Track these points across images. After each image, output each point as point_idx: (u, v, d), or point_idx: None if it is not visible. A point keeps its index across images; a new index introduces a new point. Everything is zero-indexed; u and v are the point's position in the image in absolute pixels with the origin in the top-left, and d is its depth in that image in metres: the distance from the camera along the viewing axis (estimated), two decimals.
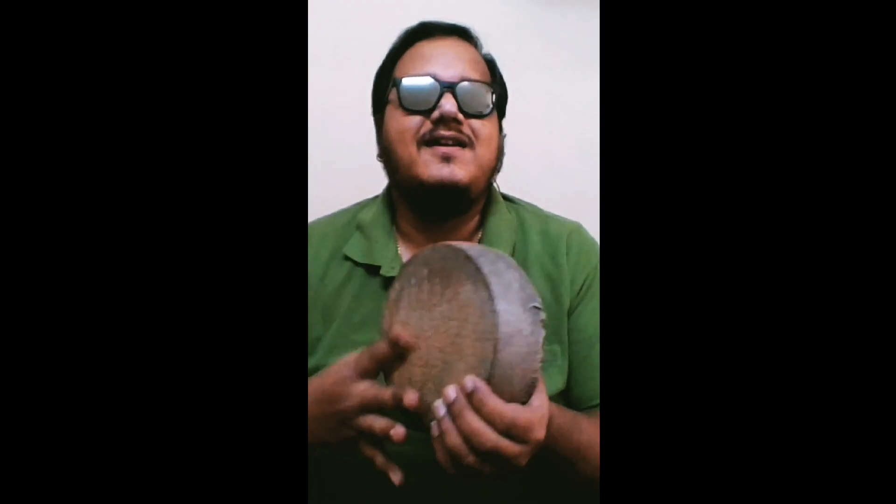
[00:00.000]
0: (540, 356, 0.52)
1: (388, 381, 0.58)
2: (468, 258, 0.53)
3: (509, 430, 0.50)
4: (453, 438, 0.50)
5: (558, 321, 0.75)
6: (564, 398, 0.75)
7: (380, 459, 0.57)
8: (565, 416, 0.63)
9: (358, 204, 0.87)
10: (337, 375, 0.58)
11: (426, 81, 0.74)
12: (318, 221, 0.86)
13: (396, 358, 0.56)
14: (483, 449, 0.50)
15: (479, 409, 0.50)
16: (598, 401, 0.74)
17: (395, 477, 0.56)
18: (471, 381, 0.50)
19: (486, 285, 0.51)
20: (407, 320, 0.57)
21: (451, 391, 0.50)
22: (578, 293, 0.76)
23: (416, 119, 0.74)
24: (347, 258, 0.79)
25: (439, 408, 0.51)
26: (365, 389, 0.56)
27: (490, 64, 0.81)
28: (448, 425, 0.50)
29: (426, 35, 0.79)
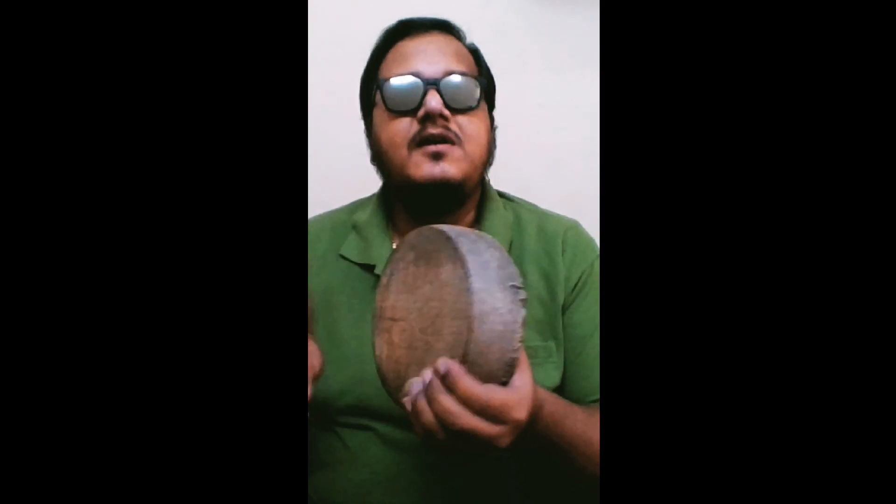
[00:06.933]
0: (519, 335, 0.52)
1: (378, 365, 0.59)
2: (448, 238, 0.53)
3: (484, 411, 0.50)
4: (427, 417, 0.50)
5: (554, 317, 0.76)
6: (560, 395, 0.75)
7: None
8: (558, 404, 0.63)
9: (354, 203, 0.87)
10: None
11: (409, 80, 0.73)
12: (314, 219, 0.86)
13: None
14: (455, 429, 0.50)
15: (451, 391, 0.49)
16: (593, 397, 0.74)
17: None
18: (443, 363, 0.50)
19: (463, 263, 0.51)
20: (395, 304, 0.57)
21: (427, 373, 0.51)
22: (574, 290, 0.77)
23: (404, 121, 0.73)
24: (343, 257, 0.79)
25: (414, 385, 0.52)
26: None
27: (475, 55, 0.80)
28: (423, 405, 0.51)
29: (406, 33, 0.77)
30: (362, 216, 0.82)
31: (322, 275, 0.79)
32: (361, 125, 0.83)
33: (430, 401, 0.50)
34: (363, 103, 0.82)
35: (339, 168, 1.10)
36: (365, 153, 0.82)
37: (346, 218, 0.84)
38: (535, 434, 0.55)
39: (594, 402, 0.74)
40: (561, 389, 0.75)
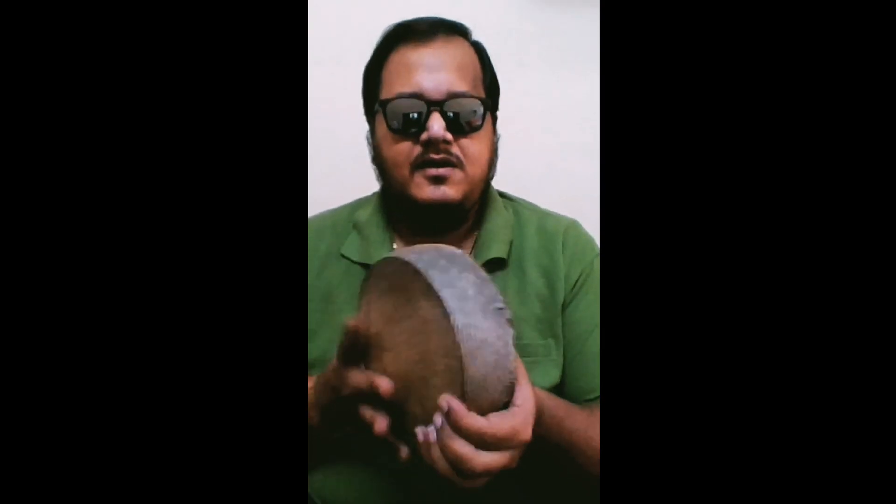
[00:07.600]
0: (513, 356, 0.50)
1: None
2: (417, 272, 0.51)
3: (494, 444, 0.49)
4: (442, 465, 0.50)
5: (553, 315, 0.76)
6: (559, 392, 0.75)
7: (386, 433, 0.55)
8: (557, 405, 0.63)
9: (355, 201, 0.88)
10: (331, 366, 0.58)
11: (412, 104, 0.72)
12: (316, 217, 0.86)
13: (355, 347, 0.56)
14: (472, 473, 0.49)
15: (457, 431, 0.49)
16: (593, 395, 0.74)
17: (403, 452, 0.55)
18: (445, 401, 0.49)
19: (439, 300, 0.49)
20: (380, 332, 0.56)
21: (437, 419, 0.49)
22: (573, 288, 0.77)
23: (407, 144, 0.73)
24: (344, 257, 0.80)
25: (420, 436, 0.51)
26: (352, 377, 0.55)
27: (480, 54, 0.79)
28: (435, 454, 0.50)
29: (409, 38, 0.76)
30: (363, 215, 0.82)
31: (323, 274, 0.80)
32: (361, 124, 0.83)
33: (442, 447, 0.49)
34: (366, 108, 0.82)
35: (339, 167, 1.11)
36: (366, 153, 0.82)
37: (347, 217, 0.84)
38: (535, 435, 0.56)
39: (594, 399, 0.74)
40: (560, 387, 0.75)
